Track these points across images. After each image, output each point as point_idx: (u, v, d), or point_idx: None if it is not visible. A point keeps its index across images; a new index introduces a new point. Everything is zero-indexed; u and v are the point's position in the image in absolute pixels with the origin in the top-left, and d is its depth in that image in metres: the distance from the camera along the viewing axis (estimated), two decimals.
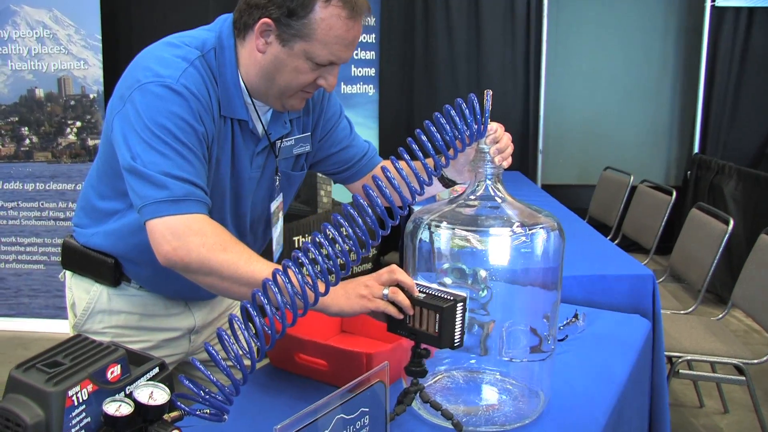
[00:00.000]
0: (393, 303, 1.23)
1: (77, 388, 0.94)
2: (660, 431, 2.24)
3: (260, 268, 1.19)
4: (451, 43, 5.14)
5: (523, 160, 5.19)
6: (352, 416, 0.88)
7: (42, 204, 4.09)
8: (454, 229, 1.31)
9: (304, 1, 1.28)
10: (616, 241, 4.11)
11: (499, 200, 1.35)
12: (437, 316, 1.19)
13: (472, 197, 1.35)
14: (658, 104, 5.53)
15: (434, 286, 1.24)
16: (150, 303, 1.59)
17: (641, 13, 5.46)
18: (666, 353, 2.60)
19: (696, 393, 3.29)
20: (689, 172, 5.19)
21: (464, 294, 1.21)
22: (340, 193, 4.06)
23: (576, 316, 1.85)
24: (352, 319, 1.78)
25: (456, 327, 1.20)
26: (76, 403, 0.94)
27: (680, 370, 2.67)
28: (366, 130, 4.19)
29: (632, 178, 4.22)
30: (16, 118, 4.05)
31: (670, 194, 3.72)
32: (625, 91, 5.50)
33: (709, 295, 4.56)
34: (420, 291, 1.23)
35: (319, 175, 3.92)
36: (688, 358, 2.65)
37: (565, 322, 1.82)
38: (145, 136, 1.26)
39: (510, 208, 1.35)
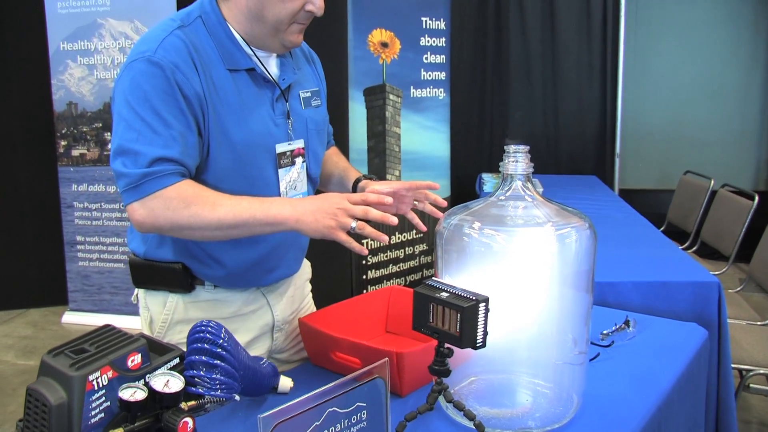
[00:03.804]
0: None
1: (97, 374, 0.99)
2: None
3: (224, 212, 1.34)
4: (525, 43, 5.06)
5: (599, 164, 5.06)
6: (347, 410, 0.89)
7: (123, 205, 4.28)
8: (483, 229, 1.30)
9: None
10: (694, 248, 3.96)
11: (529, 200, 1.34)
12: (458, 315, 1.18)
13: (502, 197, 1.34)
14: (746, 104, 5.30)
15: (459, 285, 1.24)
16: (227, 304, 1.60)
17: (728, 8, 5.24)
18: (735, 366, 2.49)
19: None
20: None
21: (487, 295, 1.20)
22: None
23: (627, 322, 1.80)
24: (398, 319, 1.80)
25: (478, 327, 1.20)
26: (96, 388, 0.99)
27: (751, 384, 2.55)
28: (437, 134, 4.18)
29: (712, 182, 4.06)
30: (100, 124, 4.28)
31: (752, 199, 3.56)
32: (710, 90, 5.29)
33: None
34: (444, 290, 1.23)
35: (389, 177, 3.94)
36: (761, 371, 2.53)
37: (613, 328, 1.78)
38: (124, 114, 1.37)
39: (541, 207, 1.33)
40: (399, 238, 4.05)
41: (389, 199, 1.38)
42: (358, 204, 1.34)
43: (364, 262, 3.89)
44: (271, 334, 1.69)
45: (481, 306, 1.19)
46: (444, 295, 1.22)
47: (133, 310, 4.34)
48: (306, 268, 1.85)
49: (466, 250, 1.31)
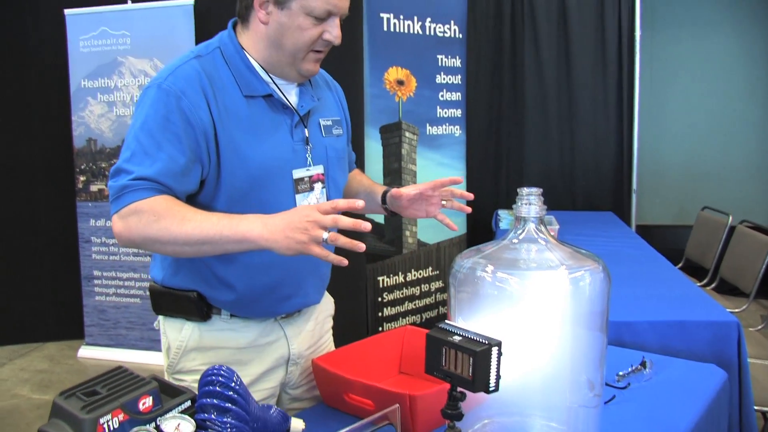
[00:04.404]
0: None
1: (108, 417, 0.99)
2: None
3: (191, 228, 1.34)
4: (540, 80, 5.06)
5: (616, 200, 5.02)
6: None
7: None
8: (496, 272, 1.30)
9: None
10: (713, 285, 3.92)
11: (542, 243, 1.33)
12: (471, 359, 1.18)
13: (516, 240, 1.34)
14: (763, 139, 5.29)
15: (472, 329, 1.23)
16: (243, 334, 1.61)
17: (744, 43, 5.25)
18: (758, 408, 2.45)
19: None
20: None
21: (499, 339, 1.19)
22: (426, 234, 4.07)
23: (643, 363, 1.78)
24: (412, 360, 1.79)
25: (491, 371, 1.19)
26: (107, 431, 0.99)
27: None
28: (453, 172, 4.20)
29: (730, 218, 4.03)
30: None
31: None
32: (727, 125, 5.29)
33: None
34: (456, 334, 1.22)
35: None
36: None
37: (629, 370, 1.75)
38: (128, 137, 1.45)
39: (554, 250, 1.32)
40: (415, 275, 4.05)
41: (360, 203, 1.34)
42: (329, 212, 1.30)
43: (379, 299, 3.88)
44: (286, 367, 1.69)
45: (494, 350, 1.18)
46: (456, 338, 1.21)
47: (148, 346, 4.36)
48: (329, 304, 1.86)
49: (479, 293, 1.30)
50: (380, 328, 3.89)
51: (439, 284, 4.21)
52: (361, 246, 1.30)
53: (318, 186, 1.61)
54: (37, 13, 4.55)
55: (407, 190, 1.68)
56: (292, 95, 1.60)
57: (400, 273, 3.97)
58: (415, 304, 4.10)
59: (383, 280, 3.89)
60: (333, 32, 1.49)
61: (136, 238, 1.39)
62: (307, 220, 1.28)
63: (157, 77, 1.48)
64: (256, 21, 1.51)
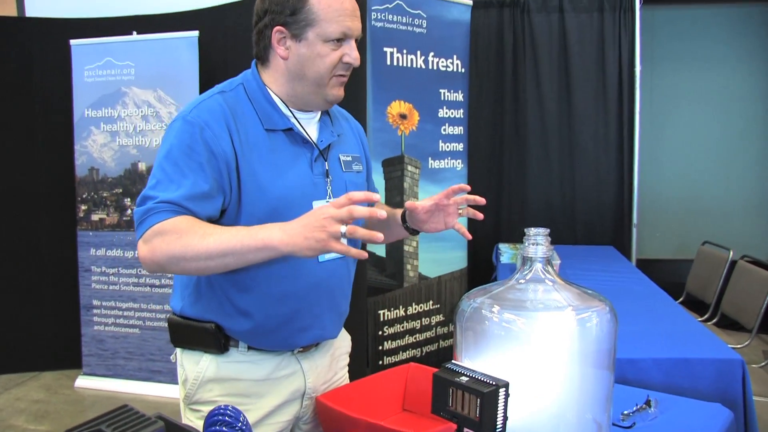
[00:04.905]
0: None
1: None
2: None
3: (213, 241, 1.37)
4: (541, 114, 5.09)
5: (617, 234, 5.03)
6: None
7: (140, 271, 4.33)
8: (503, 313, 1.30)
9: None
10: (714, 320, 3.91)
11: (549, 283, 1.33)
12: (478, 401, 1.17)
13: (522, 280, 1.34)
14: (764, 174, 5.31)
15: (479, 370, 1.23)
16: (260, 366, 1.63)
17: (742, 80, 5.30)
18: None
19: None
20: None
21: (506, 380, 1.18)
22: (427, 267, 4.07)
23: (648, 402, 1.77)
24: (416, 398, 1.78)
25: (498, 412, 1.18)
26: None
27: None
28: None
29: (731, 253, 4.03)
30: (120, 190, 4.35)
31: None
32: (727, 160, 5.32)
33: None
34: (463, 374, 1.22)
35: (406, 248, 3.95)
36: None
37: (634, 408, 1.75)
38: (154, 167, 1.50)
39: (561, 291, 1.32)
40: (416, 309, 4.03)
41: (377, 196, 1.36)
42: (344, 206, 1.31)
43: (380, 332, 3.86)
44: (301, 401, 1.69)
45: (501, 391, 1.18)
46: (463, 379, 1.21)
47: (146, 376, 4.33)
48: (346, 341, 1.86)
49: (486, 333, 1.30)
50: (380, 362, 3.86)
51: (440, 318, 4.19)
52: (379, 236, 1.33)
53: None
54: (43, 43, 4.59)
55: (422, 203, 1.70)
56: (312, 130, 1.64)
57: (401, 306, 3.95)
58: (415, 338, 4.07)
59: (384, 314, 3.87)
60: (352, 54, 1.55)
61: (160, 259, 1.41)
62: (323, 218, 1.31)
63: (183, 111, 1.54)
64: (276, 58, 1.56)
